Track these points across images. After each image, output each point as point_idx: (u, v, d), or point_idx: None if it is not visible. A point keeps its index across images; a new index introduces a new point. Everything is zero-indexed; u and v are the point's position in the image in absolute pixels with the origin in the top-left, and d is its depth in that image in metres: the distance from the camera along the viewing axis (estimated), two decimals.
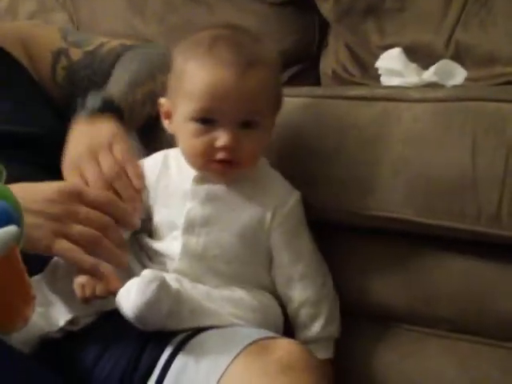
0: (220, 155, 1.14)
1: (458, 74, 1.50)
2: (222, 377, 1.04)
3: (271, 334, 1.12)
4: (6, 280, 0.84)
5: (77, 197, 1.14)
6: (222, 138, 1.12)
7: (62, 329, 1.13)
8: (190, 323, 1.11)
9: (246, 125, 1.14)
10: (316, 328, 1.24)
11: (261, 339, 1.08)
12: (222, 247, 1.19)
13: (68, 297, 1.14)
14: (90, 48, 1.47)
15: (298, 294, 1.23)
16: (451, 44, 1.76)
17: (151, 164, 1.25)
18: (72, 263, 1.12)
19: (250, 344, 1.07)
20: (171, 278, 1.12)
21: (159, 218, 1.21)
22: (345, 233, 1.33)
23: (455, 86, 1.47)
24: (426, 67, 1.62)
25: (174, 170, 1.23)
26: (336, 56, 1.91)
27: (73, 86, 1.46)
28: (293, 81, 1.93)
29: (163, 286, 1.07)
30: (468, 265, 1.28)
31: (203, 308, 1.12)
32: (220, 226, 1.19)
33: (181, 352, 1.09)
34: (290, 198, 1.23)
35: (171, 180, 1.22)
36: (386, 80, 1.57)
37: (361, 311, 1.35)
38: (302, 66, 1.97)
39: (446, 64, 1.53)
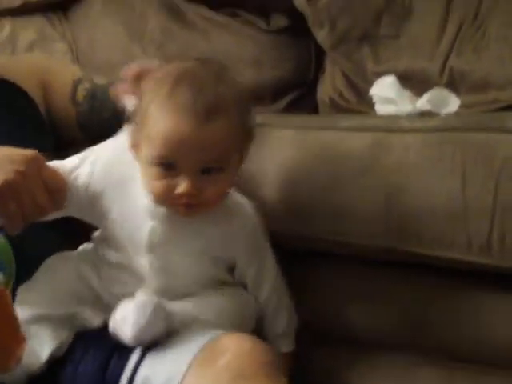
0: (181, 200, 1.12)
1: (451, 102, 1.51)
2: None
3: (219, 332, 1.14)
4: None
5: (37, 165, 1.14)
6: (181, 186, 1.11)
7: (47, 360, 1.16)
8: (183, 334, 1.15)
9: (207, 171, 1.12)
10: (281, 323, 1.28)
11: (209, 343, 1.11)
12: (185, 266, 1.20)
13: (46, 325, 1.16)
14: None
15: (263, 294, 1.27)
16: (446, 70, 1.77)
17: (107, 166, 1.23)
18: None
19: (201, 350, 1.10)
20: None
21: (118, 229, 1.21)
22: (334, 261, 1.34)
23: (448, 115, 1.48)
24: (420, 93, 1.63)
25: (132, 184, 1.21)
26: (332, 82, 1.92)
27: (95, 103, 1.48)
28: (290, 107, 1.95)
29: (158, 308, 1.11)
30: (460, 293, 1.29)
31: (195, 320, 1.17)
32: (181, 246, 1.19)
33: (143, 362, 1.13)
34: (252, 219, 1.23)
35: (130, 191, 1.20)
36: (380, 108, 1.58)
37: (350, 338, 1.36)
38: (299, 92, 1.98)
39: (439, 92, 1.53)
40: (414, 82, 1.73)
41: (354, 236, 1.28)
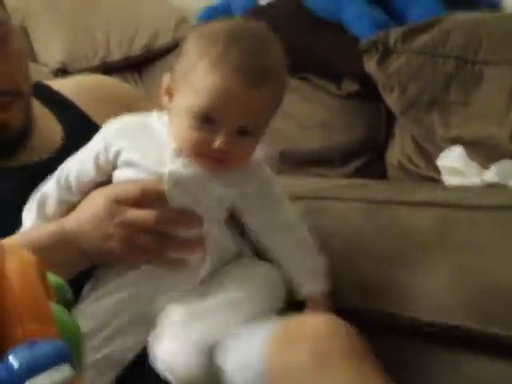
0: (213, 154, 1.12)
1: None
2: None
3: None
4: None
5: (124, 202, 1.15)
6: (218, 141, 1.10)
7: None
8: None
9: (243, 132, 1.12)
10: (313, 262, 1.23)
11: (285, 324, 1.10)
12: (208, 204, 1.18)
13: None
14: None
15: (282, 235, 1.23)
16: None
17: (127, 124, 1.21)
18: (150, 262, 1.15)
19: (277, 332, 1.08)
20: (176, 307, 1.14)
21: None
22: (394, 336, 1.35)
23: None
24: (489, 161, 1.65)
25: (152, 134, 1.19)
26: (401, 147, 1.94)
27: None
28: (360, 171, 1.98)
29: (207, 360, 1.09)
30: None
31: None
32: (199, 195, 1.17)
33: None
34: (265, 174, 1.22)
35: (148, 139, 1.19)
36: (447, 178, 1.60)
37: None
38: (369, 156, 2.00)
39: (506, 164, 1.55)
40: (482, 149, 1.74)
41: (419, 312, 1.29)
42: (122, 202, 1.13)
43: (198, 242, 1.15)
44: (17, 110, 1.26)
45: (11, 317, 0.65)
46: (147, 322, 1.15)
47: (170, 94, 1.16)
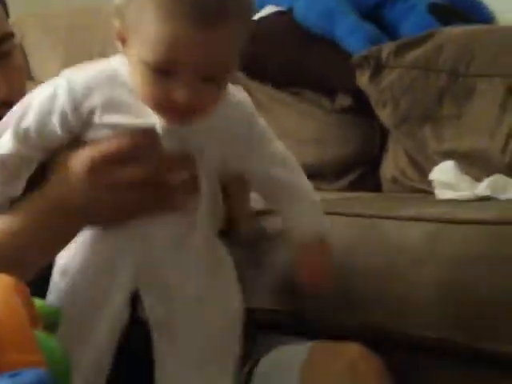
0: (175, 106, 0.98)
1: (510, 189, 1.53)
2: None
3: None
4: None
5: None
6: (178, 93, 0.96)
7: None
8: None
9: (205, 79, 0.97)
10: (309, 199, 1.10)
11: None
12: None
13: None
14: None
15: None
16: (507, 150, 1.78)
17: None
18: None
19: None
20: None
21: None
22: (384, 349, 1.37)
23: (508, 200, 1.50)
24: (482, 173, 1.66)
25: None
26: (395, 161, 1.95)
27: None
28: (354, 185, 1.98)
29: None
30: None
31: None
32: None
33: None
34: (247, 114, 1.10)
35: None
36: (439, 192, 1.61)
37: None
38: (363, 170, 2.01)
39: (499, 178, 1.56)
40: (475, 162, 1.75)
41: (406, 326, 1.30)
42: (107, 162, 1.02)
43: (193, 182, 1.05)
44: None
45: None
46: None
47: (122, 39, 1.00)
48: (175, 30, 0.94)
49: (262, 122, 1.11)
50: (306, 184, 1.11)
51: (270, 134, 1.12)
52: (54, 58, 2.45)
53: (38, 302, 0.76)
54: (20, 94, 1.25)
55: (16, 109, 1.07)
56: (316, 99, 2.06)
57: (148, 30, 0.95)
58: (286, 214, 1.11)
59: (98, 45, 2.42)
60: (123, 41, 1.00)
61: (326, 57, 2.05)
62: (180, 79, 0.96)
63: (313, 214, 1.10)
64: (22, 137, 1.04)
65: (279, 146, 1.12)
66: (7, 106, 1.20)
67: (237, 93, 1.08)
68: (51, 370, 0.68)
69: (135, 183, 1.03)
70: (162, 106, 0.99)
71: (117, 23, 1.00)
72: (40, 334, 0.71)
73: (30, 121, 1.04)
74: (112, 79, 1.04)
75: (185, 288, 1.05)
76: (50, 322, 0.78)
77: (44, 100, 1.04)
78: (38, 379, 0.66)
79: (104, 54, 2.48)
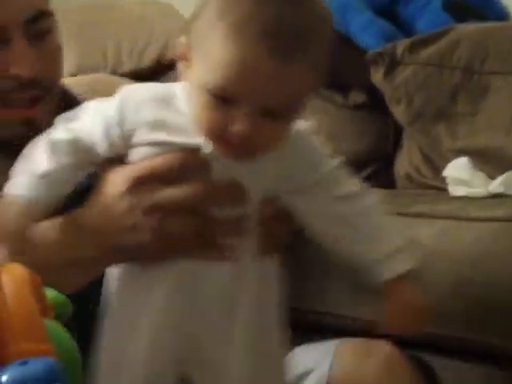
0: (232, 139, 0.87)
1: None
2: None
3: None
4: None
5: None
6: (237, 124, 0.86)
7: None
8: None
9: (269, 114, 0.86)
10: (391, 238, 0.96)
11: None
12: None
13: None
14: None
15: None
16: None
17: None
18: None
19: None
20: None
21: None
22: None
23: None
24: (497, 171, 1.65)
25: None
26: (409, 157, 1.94)
27: None
28: (367, 181, 1.97)
29: None
30: None
31: None
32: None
33: None
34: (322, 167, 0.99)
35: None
36: (453, 189, 1.61)
37: None
38: (377, 166, 2.01)
39: None
40: (489, 160, 1.74)
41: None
42: (148, 182, 0.92)
43: (243, 223, 0.92)
44: (44, 108, 1.14)
45: (5, 334, 0.66)
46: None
47: (186, 60, 0.91)
48: (245, 54, 0.84)
49: (329, 164, 1.00)
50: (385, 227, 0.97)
51: (341, 171, 1.00)
52: (66, 53, 2.45)
53: (49, 292, 0.75)
54: (55, 75, 1.20)
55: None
56: (330, 95, 2.06)
57: (214, 50, 0.86)
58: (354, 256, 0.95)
59: (113, 38, 2.42)
60: (186, 61, 0.91)
61: (340, 53, 2.04)
62: (241, 110, 0.86)
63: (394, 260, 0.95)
64: (80, 145, 0.95)
65: (353, 182, 1.00)
66: (39, 86, 1.13)
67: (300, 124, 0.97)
68: (60, 359, 0.68)
69: (176, 208, 0.92)
70: (217, 135, 0.88)
71: (183, 40, 0.92)
72: (50, 324, 0.71)
73: (77, 132, 0.95)
74: (167, 102, 0.94)
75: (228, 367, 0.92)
76: (61, 312, 0.78)
77: (97, 109, 0.96)
78: (47, 368, 0.65)
79: (118, 46, 2.47)
